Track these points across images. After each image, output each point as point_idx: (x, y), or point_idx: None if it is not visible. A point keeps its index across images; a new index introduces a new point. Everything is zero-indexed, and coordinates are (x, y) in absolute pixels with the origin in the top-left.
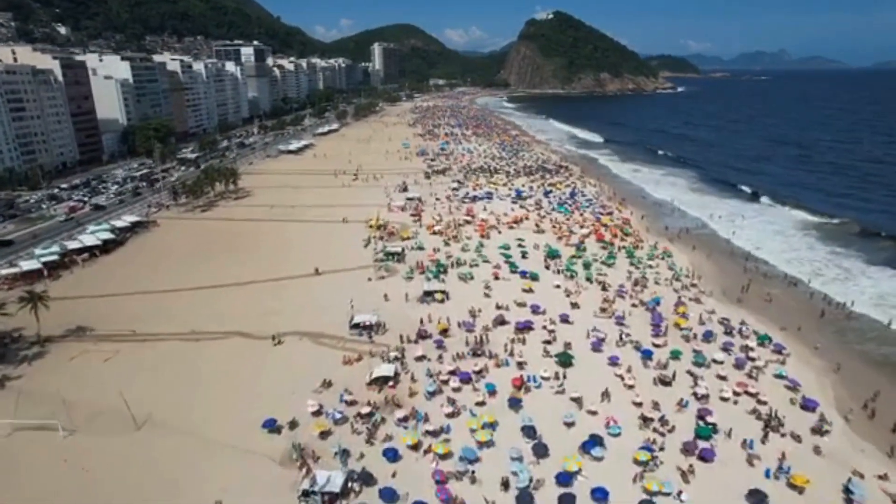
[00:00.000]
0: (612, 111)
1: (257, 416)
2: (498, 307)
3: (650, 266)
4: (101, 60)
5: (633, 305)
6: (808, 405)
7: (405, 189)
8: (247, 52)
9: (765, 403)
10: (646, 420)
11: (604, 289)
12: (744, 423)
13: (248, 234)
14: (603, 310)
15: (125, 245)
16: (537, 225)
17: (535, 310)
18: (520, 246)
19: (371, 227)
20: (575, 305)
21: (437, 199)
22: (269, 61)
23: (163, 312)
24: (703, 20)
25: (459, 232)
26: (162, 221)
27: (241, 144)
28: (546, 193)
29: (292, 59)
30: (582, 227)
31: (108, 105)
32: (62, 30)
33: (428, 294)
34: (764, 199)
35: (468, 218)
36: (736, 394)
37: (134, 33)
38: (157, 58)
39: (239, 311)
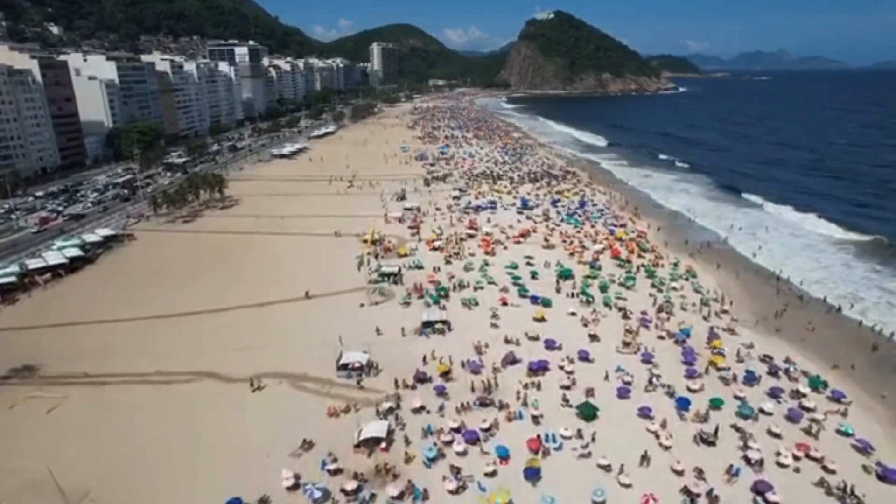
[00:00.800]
0: (615, 112)
1: (220, 493)
2: (507, 341)
3: (674, 288)
4: (85, 60)
5: (660, 337)
6: (888, 476)
7: (403, 197)
8: (241, 52)
9: (833, 472)
10: (691, 497)
11: (625, 316)
12: (811, 499)
13: (233, 249)
14: (626, 344)
15: (96, 263)
16: (546, 239)
17: (550, 345)
18: (528, 264)
19: (365, 242)
20: (594, 338)
21: (438, 208)
22: (265, 62)
23: (128, 346)
24: (702, 20)
25: (462, 247)
26: (140, 234)
27: (232, 148)
28: (554, 202)
29: (289, 59)
30: (595, 241)
31: (93, 107)
32: (54, 29)
33: (427, 325)
34: (784, 208)
35: (471, 231)
36: (796, 458)
37: (128, 33)
38: (145, 58)
39: (216, 345)
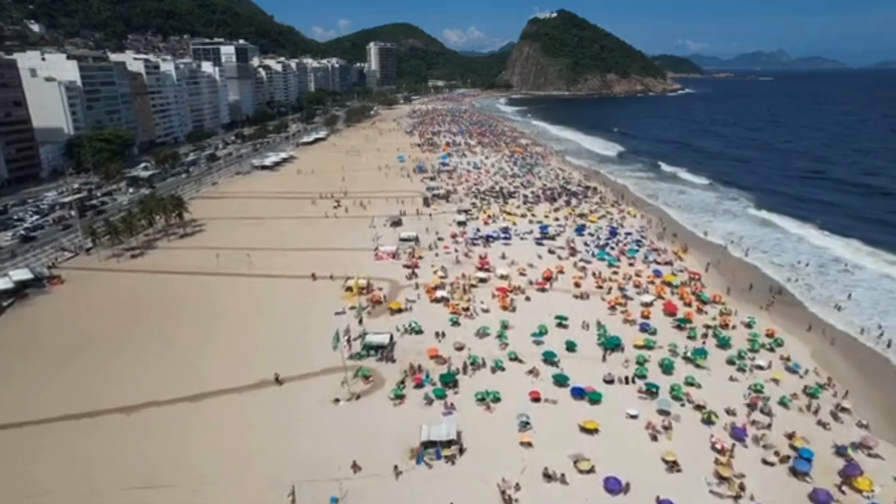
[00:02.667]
0: (624, 116)
1: None
2: (547, 476)
3: (759, 366)
4: (43, 59)
5: (767, 462)
6: None
7: (398, 222)
8: (227, 51)
9: None
10: None
11: (707, 420)
12: None
13: (184, 299)
14: (722, 478)
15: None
16: (577, 284)
17: (614, 488)
18: (560, 325)
19: (350, 290)
20: (673, 467)
21: (440, 238)
22: (255, 61)
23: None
24: (700, 20)
25: (472, 298)
26: (71, 276)
27: (211, 157)
28: (579, 230)
29: (281, 58)
30: (638, 286)
31: (51, 112)
32: (35, 27)
33: (428, 446)
34: (851, 241)
35: (483, 274)
36: None
37: (115, 32)
38: (116, 57)
39: (110, 479)
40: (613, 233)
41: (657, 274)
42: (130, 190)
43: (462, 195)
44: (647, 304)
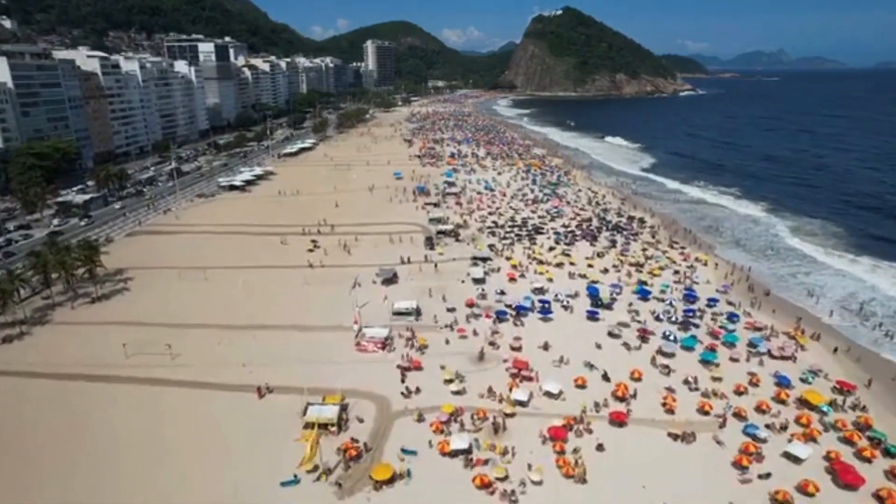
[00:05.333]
0: (639, 119)
1: None
2: None
3: None
4: None
5: None
6: None
7: (392, 279)
8: (206, 48)
9: None
10: None
11: None
12: None
13: (58, 429)
14: None
15: None
16: (670, 409)
17: None
18: None
19: (307, 431)
20: None
21: (450, 309)
22: (240, 60)
23: None
24: (699, 20)
25: (510, 451)
26: None
27: (175, 173)
28: (641, 293)
29: (268, 57)
30: (766, 411)
31: None
32: (7, 23)
33: None
34: None
35: (522, 391)
36: None
37: (94, 29)
38: (63, 54)
39: None
40: (691, 297)
41: (783, 383)
42: (55, 221)
43: (475, 230)
44: (798, 459)
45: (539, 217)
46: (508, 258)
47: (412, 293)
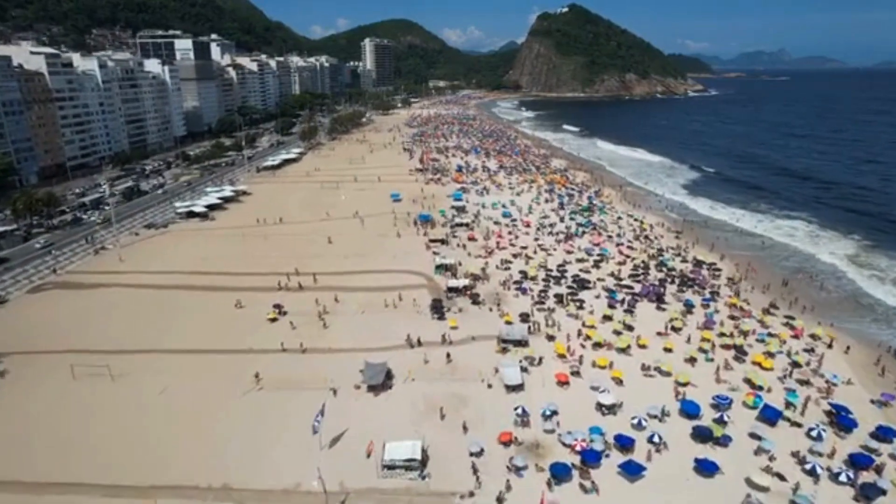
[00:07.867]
0: (655, 123)
1: None
2: None
3: None
4: None
5: None
6: None
7: (383, 384)
8: (183, 45)
9: None
10: None
11: None
12: None
13: None
14: None
15: None
16: None
17: None
18: None
19: None
20: None
21: (475, 453)
22: (226, 59)
23: None
24: (699, 19)
25: None
26: None
27: (132, 192)
28: (768, 414)
29: (257, 56)
30: None
31: None
32: None
33: None
34: None
35: None
36: None
37: (76, 26)
38: None
39: None
40: (845, 422)
41: None
42: None
43: (497, 283)
44: None
45: (578, 261)
46: (551, 338)
47: (413, 414)
